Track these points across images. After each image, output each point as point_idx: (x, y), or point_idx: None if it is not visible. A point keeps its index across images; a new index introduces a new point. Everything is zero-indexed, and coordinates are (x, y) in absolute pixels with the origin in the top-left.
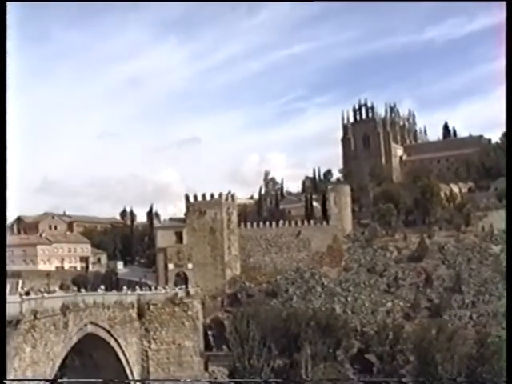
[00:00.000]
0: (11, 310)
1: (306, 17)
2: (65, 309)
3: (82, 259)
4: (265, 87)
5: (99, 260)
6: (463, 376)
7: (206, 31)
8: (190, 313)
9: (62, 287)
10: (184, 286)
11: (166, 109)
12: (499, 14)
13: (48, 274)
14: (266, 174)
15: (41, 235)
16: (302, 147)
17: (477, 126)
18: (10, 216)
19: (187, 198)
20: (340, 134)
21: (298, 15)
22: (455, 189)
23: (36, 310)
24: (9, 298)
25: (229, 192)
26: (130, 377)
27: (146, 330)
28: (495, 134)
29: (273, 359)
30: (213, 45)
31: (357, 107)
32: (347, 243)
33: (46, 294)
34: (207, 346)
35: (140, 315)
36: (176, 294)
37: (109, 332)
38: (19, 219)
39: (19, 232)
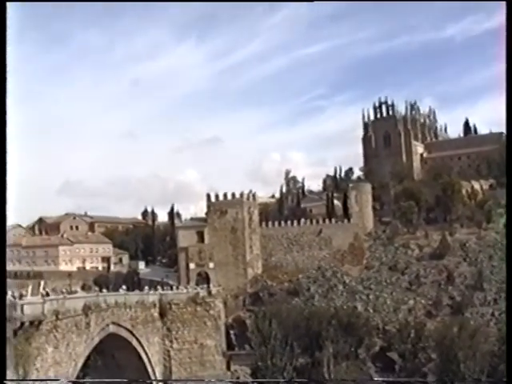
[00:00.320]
0: (33, 310)
1: (325, 15)
2: (87, 309)
3: (103, 259)
4: (285, 86)
5: (121, 260)
6: (485, 374)
7: (225, 30)
8: (211, 312)
9: (83, 288)
10: (206, 286)
11: (187, 108)
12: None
13: (70, 275)
14: (287, 172)
15: (62, 236)
16: (322, 146)
17: (497, 123)
18: (32, 217)
19: (208, 197)
20: (361, 132)
21: (318, 14)
22: (476, 186)
23: (58, 311)
24: (30, 298)
25: (250, 191)
26: (153, 377)
27: (168, 329)
28: None
29: (295, 358)
30: (233, 44)
31: (377, 105)
32: (368, 241)
33: (67, 295)
34: (229, 346)
35: (162, 315)
36: (198, 294)
37: (131, 332)
38: (41, 220)
39: (41, 233)
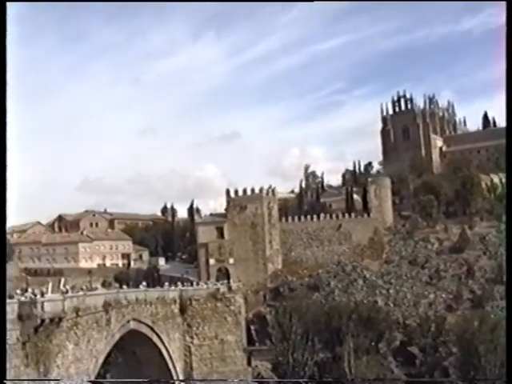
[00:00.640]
0: (53, 307)
1: (343, 10)
2: (107, 306)
3: (123, 256)
4: (303, 81)
5: (141, 257)
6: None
7: (243, 26)
8: (232, 308)
9: (104, 284)
10: (226, 281)
11: (206, 104)
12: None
13: (90, 272)
14: (307, 167)
15: (82, 233)
16: (341, 140)
17: None
18: (52, 214)
19: (228, 192)
20: (379, 126)
21: (335, 8)
22: (496, 179)
23: (78, 308)
24: (51, 296)
25: (269, 186)
26: (174, 372)
27: (189, 325)
28: None
29: (316, 353)
30: (250, 39)
31: (395, 99)
32: (388, 235)
33: (87, 292)
34: (250, 341)
35: (182, 311)
36: (218, 289)
37: (151, 328)
38: (60, 217)
39: (60, 230)
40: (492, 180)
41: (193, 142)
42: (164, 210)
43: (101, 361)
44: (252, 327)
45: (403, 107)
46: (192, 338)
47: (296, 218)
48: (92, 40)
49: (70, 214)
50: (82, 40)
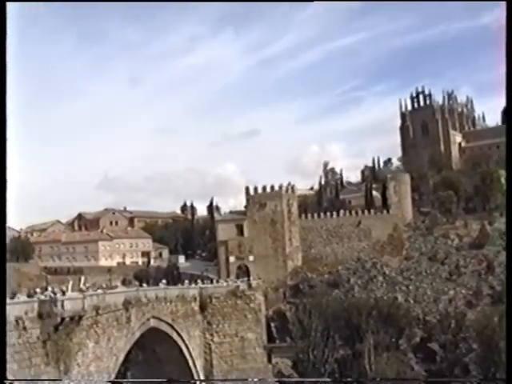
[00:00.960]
0: (74, 306)
1: (361, 6)
2: (127, 304)
3: (143, 254)
4: (322, 77)
5: (160, 254)
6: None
7: (261, 24)
8: (252, 305)
9: (124, 282)
10: (246, 279)
11: (225, 102)
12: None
13: (110, 270)
14: (326, 164)
15: (102, 231)
16: (360, 137)
17: None
18: (71, 213)
19: (247, 190)
20: (398, 122)
21: (353, 4)
22: None
23: (98, 306)
24: (71, 294)
25: (289, 183)
26: (194, 370)
27: (209, 323)
28: None
29: (336, 350)
30: (269, 36)
31: (414, 95)
32: (408, 232)
33: (107, 290)
34: (270, 338)
35: (202, 308)
36: (238, 287)
37: (171, 326)
38: (80, 216)
39: (80, 228)
40: None
41: (212, 140)
42: (184, 207)
43: (121, 359)
44: (272, 324)
45: (422, 103)
46: (212, 335)
47: (315, 214)
48: (110, 39)
49: (90, 212)
50: (101, 39)
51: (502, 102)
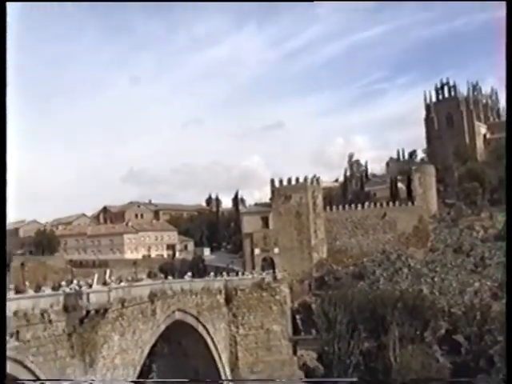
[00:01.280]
0: (99, 298)
1: None
2: (152, 296)
3: (168, 247)
4: (346, 69)
5: (186, 247)
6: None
7: (285, 16)
8: (277, 297)
9: (149, 275)
10: (271, 271)
11: (250, 95)
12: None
13: (135, 263)
14: (350, 156)
15: (127, 224)
16: (385, 128)
17: None
18: (97, 206)
19: (272, 182)
20: (422, 113)
21: None
22: None
23: (124, 299)
24: (96, 287)
25: (314, 175)
26: (219, 363)
27: (234, 315)
28: None
29: (361, 342)
30: (293, 29)
31: (439, 86)
32: (433, 223)
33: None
34: (295, 330)
35: (228, 301)
36: (263, 279)
37: (197, 318)
38: (105, 209)
39: (106, 222)
40: None
41: (237, 133)
42: (209, 200)
43: (146, 351)
44: (297, 316)
45: (447, 95)
46: (237, 327)
47: (340, 206)
48: (135, 33)
49: (115, 205)
50: (126, 33)
51: None
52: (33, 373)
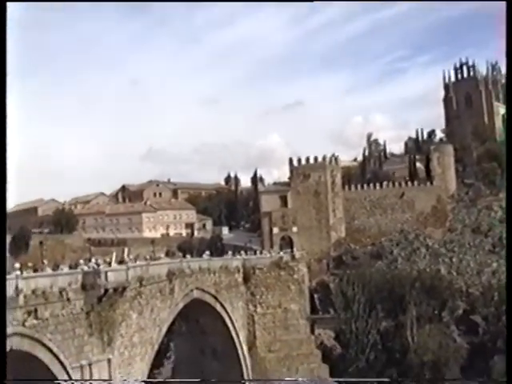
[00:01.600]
0: (117, 277)
1: None
2: (171, 275)
3: (187, 225)
4: (366, 48)
5: (204, 226)
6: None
7: None
8: (295, 276)
9: (167, 254)
10: (289, 250)
11: (269, 73)
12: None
13: (153, 241)
14: (369, 135)
15: (146, 203)
16: (404, 108)
17: None
18: (115, 185)
19: (291, 161)
20: (442, 93)
21: None
22: None
23: (142, 277)
24: (114, 265)
25: (332, 155)
26: (237, 341)
27: (252, 294)
28: None
29: (378, 321)
30: (313, 7)
31: (458, 66)
32: (451, 203)
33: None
34: (313, 309)
35: (246, 279)
36: (281, 258)
37: (215, 297)
38: (124, 188)
39: (124, 200)
40: None
41: (256, 112)
42: (227, 179)
43: (164, 330)
44: (315, 295)
45: (465, 74)
46: (255, 306)
47: (359, 186)
48: (154, 11)
49: (134, 184)
50: (145, 11)
51: None
52: (50, 350)
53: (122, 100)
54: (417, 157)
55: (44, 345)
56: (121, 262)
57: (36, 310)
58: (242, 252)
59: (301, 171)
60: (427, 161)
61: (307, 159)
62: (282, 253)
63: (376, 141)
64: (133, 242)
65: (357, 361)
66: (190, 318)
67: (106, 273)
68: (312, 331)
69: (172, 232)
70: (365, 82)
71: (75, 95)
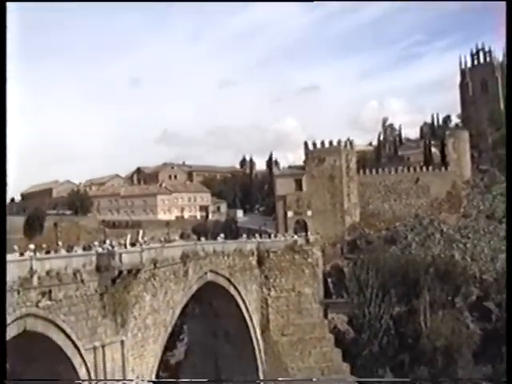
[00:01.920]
0: (131, 259)
1: None
2: (185, 257)
3: (201, 208)
4: (383, 33)
5: (219, 209)
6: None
7: None
8: (309, 260)
9: (182, 236)
10: (303, 234)
11: (285, 57)
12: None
13: (168, 224)
14: (385, 120)
15: (161, 185)
16: (420, 93)
17: None
18: (130, 167)
19: (306, 145)
20: (458, 79)
21: None
22: None
23: (156, 259)
24: (129, 247)
25: (347, 139)
26: (250, 324)
27: (266, 277)
28: None
29: (392, 306)
30: None
31: (474, 51)
32: (466, 189)
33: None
34: (327, 293)
35: (260, 263)
36: (296, 242)
37: (228, 280)
38: (139, 170)
39: (139, 182)
40: None
41: (272, 95)
42: (242, 162)
43: (178, 312)
44: (329, 280)
45: (482, 60)
46: (269, 289)
47: (374, 170)
48: None
49: (149, 166)
50: None
51: None
52: (64, 332)
53: (138, 82)
54: (432, 142)
55: (57, 326)
56: (133, 244)
57: (50, 292)
58: (257, 235)
59: (316, 155)
60: (442, 146)
61: (322, 143)
62: (296, 236)
63: (391, 125)
64: (147, 224)
65: (370, 345)
66: (204, 301)
67: (120, 254)
68: (325, 315)
69: (187, 214)
70: (381, 67)
71: (89, 80)
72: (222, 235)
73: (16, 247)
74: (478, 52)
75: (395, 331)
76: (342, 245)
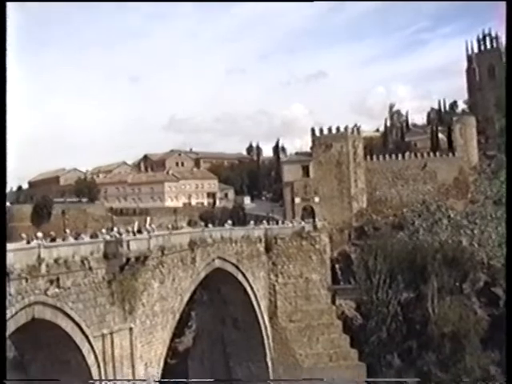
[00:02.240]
0: (139, 246)
1: None
2: (192, 244)
3: (209, 195)
4: (389, 19)
5: (226, 195)
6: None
7: None
8: (317, 246)
9: (189, 223)
10: (311, 220)
11: (292, 44)
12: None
13: (175, 211)
14: (391, 106)
15: (168, 172)
16: (426, 78)
17: None
18: (138, 154)
19: (313, 131)
20: (465, 64)
21: None
22: None
23: (164, 246)
24: (136, 234)
25: (354, 125)
26: (258, 311)
27: (274, 263)
28: None
29: (399, 292)
30: None
31: (481, 37)
32: (473, 175)
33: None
34: (334, 280)
35: (267, 249)
36: (303, 228)
37: (236, 266)
38: (146, 157)
39: (146, 170)
40: None
41: (279, 82)
42: (249, 149)
43: (186, 299)
44: (336, 266)
45: (489, 46)
46: (277, 276)
47: (381, 156)
48: None
49: (156, 153)
50: None
51: None
52: (72, 319)
53: (146, 69)
54: (439, 128)
55: (66, 313)
56: (139, 231)
57: (58, 279)
58: (264, 222)
59: (323, 141)
60: (449, 132)
61: (329, 129)
62: (303, 223)
63: (398, 111)
64: (155, 212)
65: (377, 331)
66: (212, 288)
67: (127, 242)
68: (333, 301)
69: (194, 201)
70: (387, 53)
71: (97, 67)
72: (230, 222)
73: (24, 235)
74: (484, 37)
75: (403, 317)
76: (349, 231)
